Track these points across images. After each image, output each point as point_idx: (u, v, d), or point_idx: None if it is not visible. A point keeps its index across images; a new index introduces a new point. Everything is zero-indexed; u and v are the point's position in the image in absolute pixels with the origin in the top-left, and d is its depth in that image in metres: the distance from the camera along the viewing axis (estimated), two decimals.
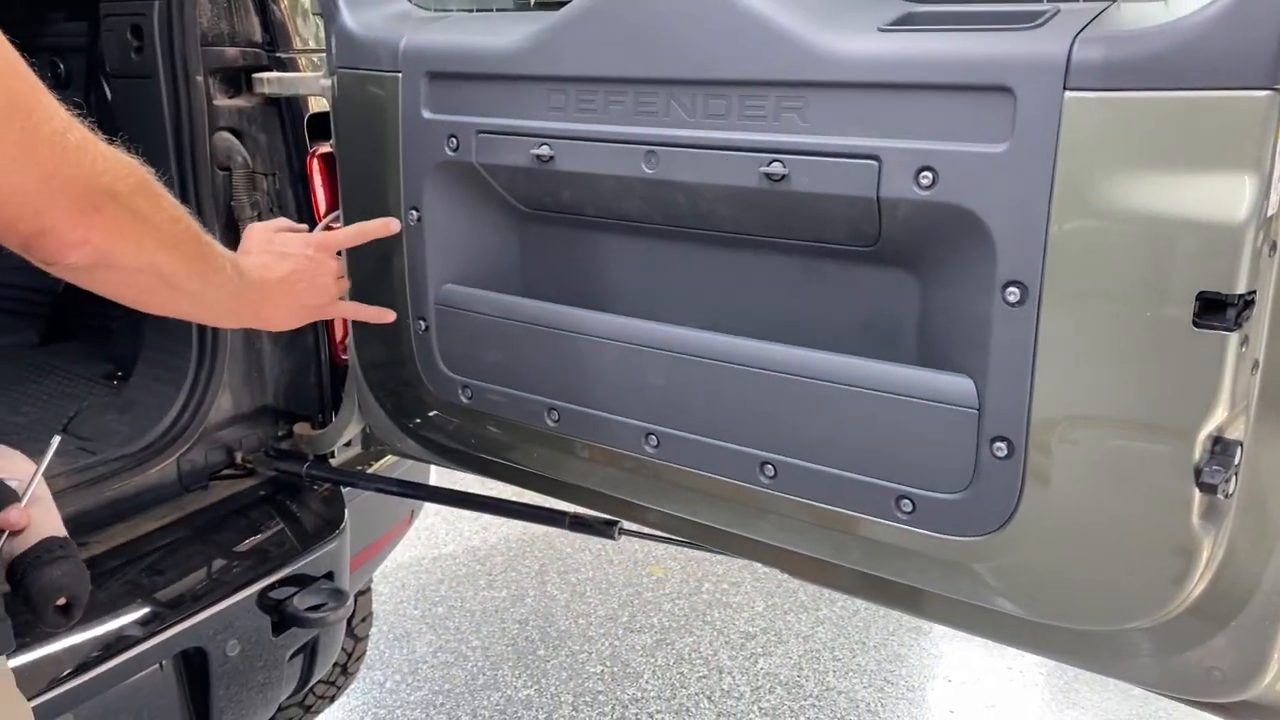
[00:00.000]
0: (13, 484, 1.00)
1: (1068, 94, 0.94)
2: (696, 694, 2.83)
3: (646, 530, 1.43)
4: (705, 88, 1.16)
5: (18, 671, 1.00)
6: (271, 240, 1.29)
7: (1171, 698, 1.10)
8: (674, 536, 1.39)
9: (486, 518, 3.71)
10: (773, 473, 1.20)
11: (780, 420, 1.19)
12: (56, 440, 1.05)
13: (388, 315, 1.44)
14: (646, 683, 2.88)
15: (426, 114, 1.40)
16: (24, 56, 0.82)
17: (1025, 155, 0.97)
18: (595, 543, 3.62)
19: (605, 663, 2.98)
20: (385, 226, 1.39)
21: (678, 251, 1.29)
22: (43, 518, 1.02)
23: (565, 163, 1.28)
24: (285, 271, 1.25)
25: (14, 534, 0.99)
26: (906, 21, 1.08)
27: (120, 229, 0.90)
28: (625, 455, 1.33)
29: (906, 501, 1.12)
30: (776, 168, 1.12)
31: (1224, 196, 0.90)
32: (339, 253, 1.39)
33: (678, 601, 3.31)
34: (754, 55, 1.11)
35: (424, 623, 3.20)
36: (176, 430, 1.62)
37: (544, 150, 1.29)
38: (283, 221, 1.39)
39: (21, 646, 1.24)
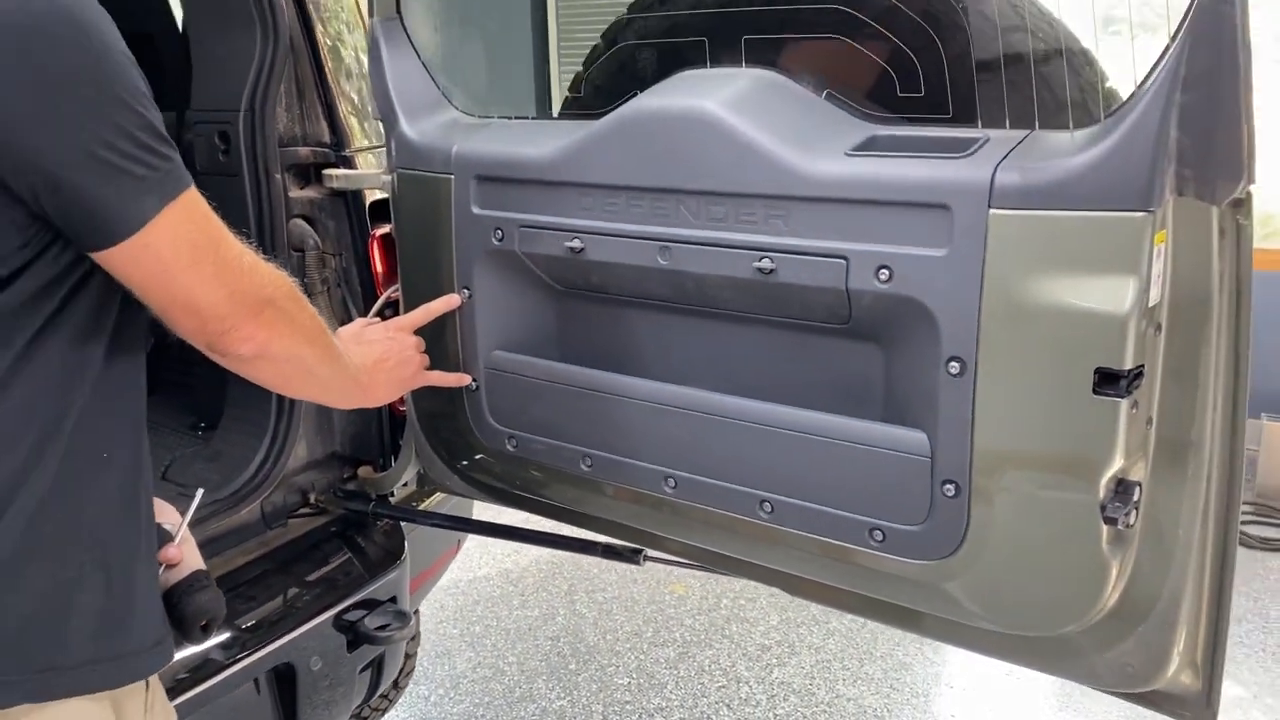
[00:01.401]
0: (166, 527, 1.26)
1: (992, 211, 1.20)
2: (716, 703, 3.07)
3: (667, 557, 1.68)
4: (708, 197, 1.42)
5: None
6: (360, 334, 1.57)
7: (1098, 689, 1.35)
8: (690, 562, 1.65)
9: (517, 543, 3.97)
10: (770, 509, 1.45)
11: (775, 465, 1.44)
12: (200, 494, 1.32)
13: (464, 379, 1.72)
14: (670, 693, 3.12)
15: (475, 210, 1.66)
16: None
17: (961, 258, 1.22)
18: (620, 564, 3.87)
19: (632, 675, 3.22)
20: (448, 303, 1.67)
21: (688, 325, 1.55)
22: (190, 554, 1.29)
23: (594, 253, 1.54)
24: (378, 355, 1.52)
25: (169, 567, 1.26)
26: (868, 146, 1.33)
27: (277, 328, 1.17)
28: (648, 495, 1.59)
29: (878, 532, 1.37)
30: (766, 263, 1.38)
31: (1113, 293, 1.15)
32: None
33: (698, 617, 3.55)
34: (746, 173, 1.37)
35: (463, 640, 3.45)
36: (260, 477, 1.87)
37: (575, 243, 1.55)
38: (362, 320, 1.69)
39: None
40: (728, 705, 3.05)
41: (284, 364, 1.22)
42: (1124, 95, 1.21)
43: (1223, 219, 1.16)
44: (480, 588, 3.81)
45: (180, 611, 1.24)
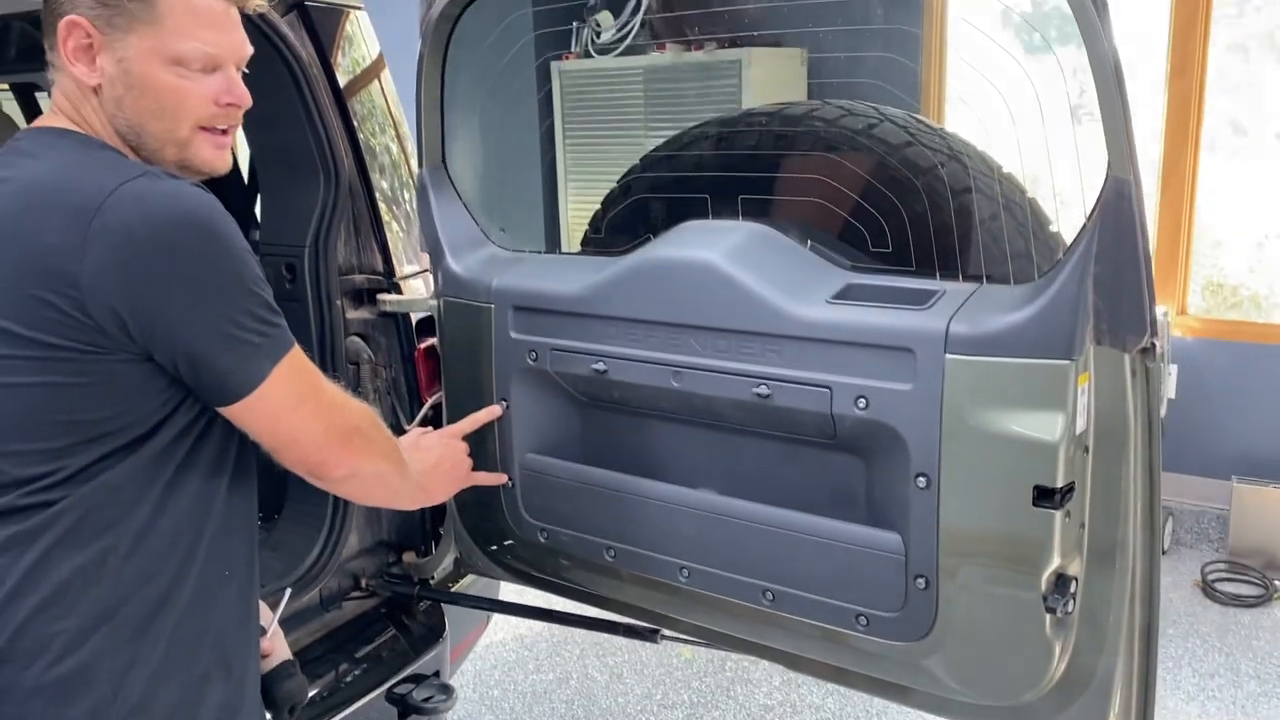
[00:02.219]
0: (261, 623, 1.51)
1: (947, 356, 1.47)
2: None
3: (680, 636, 1.93)
4: (713, 333, 1.69)
5: None
6: (417, 442, 1.76)
7: None
8: (701, 641, 1.90)
9: None
10: (771, 596, 1.71)
11: (774, 559, 1.70)
12: (288, 593, 1.57)
13: (503, 479, 1.96)
14: None
15: (513, 334, 1.93)
16: None
17: (923, 393, 1.49)
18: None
19: None
20: (491, 414, 1.92)
21: (697, 436, 1.82)
22: (279, 646, 1.54)
23: (616, 375, 1.81)
24: (435, 460, 1.72)
25: (263, 656, 1.50)
26: (846, 294, 1.60)
27: (364, 453, 1.42)
28: (664, 582, 1.84)
29: (863, 617, 1.62)
30: (763, 389, 1.64)
31: (1046, 424, 1.42)
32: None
33: (704, 679, 3.76)
34: (745, 315, 1.64)
35: (482, 704, 3.67)
36: (319, 566, 2.12)
37: (600, 365, 1.82)
38: (417, 430, 1.89)
39: None
40: None
41: (369, 480, 1.47)
42: (1058, 232, 1.48)
43: (1134, 362, 1.43)
44: (496, 653, 4.02)
45: (273, 696, 1.49)
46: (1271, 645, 3.74)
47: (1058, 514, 1.42)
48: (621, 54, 4.93)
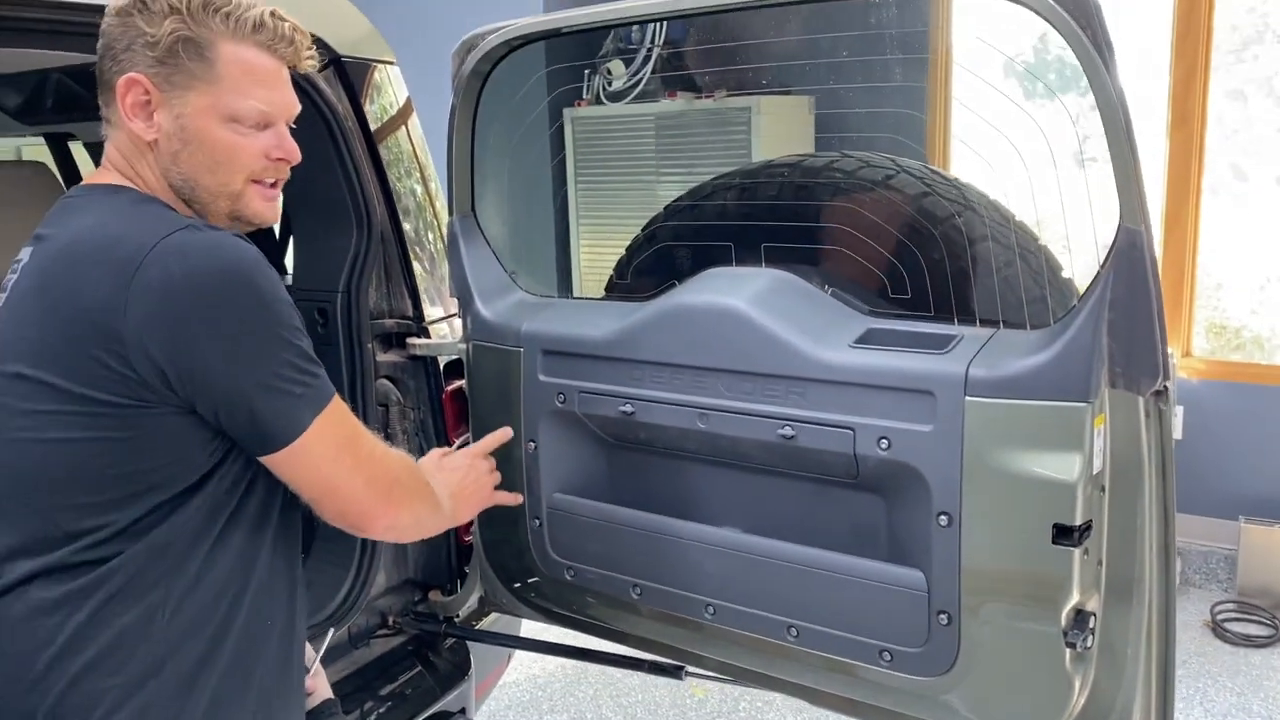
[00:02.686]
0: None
1: (967, 398, 1.52)
2: None
3: (705, 672, 1.97)
4: (739, 375, 1.74)
5: None
6: (441, 463, 1.73)
7: None
8: (725, 678, 1.94)
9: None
10: (795, 633, 1.75)
11: (798, 596, 1.74)
12: (331, 633, 1.62)
13: (518, 499, 1.94)
14: None
15: (541, 377, 1.99)
16: None
17: (944, 434, 1.54)
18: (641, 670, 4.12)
19: None
20: (504, 434, 1.87)
21: (723, 476, 1.87)
22: (321, 685, 1.59)
23: (643, 416, 1.87)
24: (459, 480, 1.70)
25: (306, 695, 1.55)
26: (867, 339, 1.66)
27: (403, 503, 1.46)
28: (689, 619, 1.88)
29: (886, 653, 1.66)
30: (788, 430, 1.70)
31: (1064, 464, 1.47)
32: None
33: (718, 719, 3.78)
34: (770, 359, 1.70)
35: None
36: (348, 604, 2.16)
37: (628, 408, 1.88)
38: (438, 451, 1.82)
39: None
40: None
41: (408, 529, 1.52)
42: (1073, 280, 1.54)
43: (1147, 405, 1.48)
44: (510, 693, 4.04)
45: None
46: None
47: (1076, 551, 1.47)
48: (632, 101, 5.03)
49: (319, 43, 2.05)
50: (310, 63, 1.46)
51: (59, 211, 1.38)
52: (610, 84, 5.14)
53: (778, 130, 4.75)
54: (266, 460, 1.34)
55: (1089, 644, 1.52)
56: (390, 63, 2.26)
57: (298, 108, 1.46)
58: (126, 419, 1.26)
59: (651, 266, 2.06)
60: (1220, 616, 4.17)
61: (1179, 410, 4.16)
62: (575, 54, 5.15)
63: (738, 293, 1.77)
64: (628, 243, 2.16)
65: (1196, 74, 4.30)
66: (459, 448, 2.13)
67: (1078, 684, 1.54)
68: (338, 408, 1.37)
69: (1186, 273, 4.48)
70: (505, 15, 2.01)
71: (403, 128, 2.39)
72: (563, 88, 5.17)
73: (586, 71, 5.15)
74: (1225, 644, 4.06)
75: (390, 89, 2.34)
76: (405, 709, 2.13)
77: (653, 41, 4.93)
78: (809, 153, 2.00)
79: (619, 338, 1.88)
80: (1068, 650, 1.51)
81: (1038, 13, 1.40)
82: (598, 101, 5.18)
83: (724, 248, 1.88)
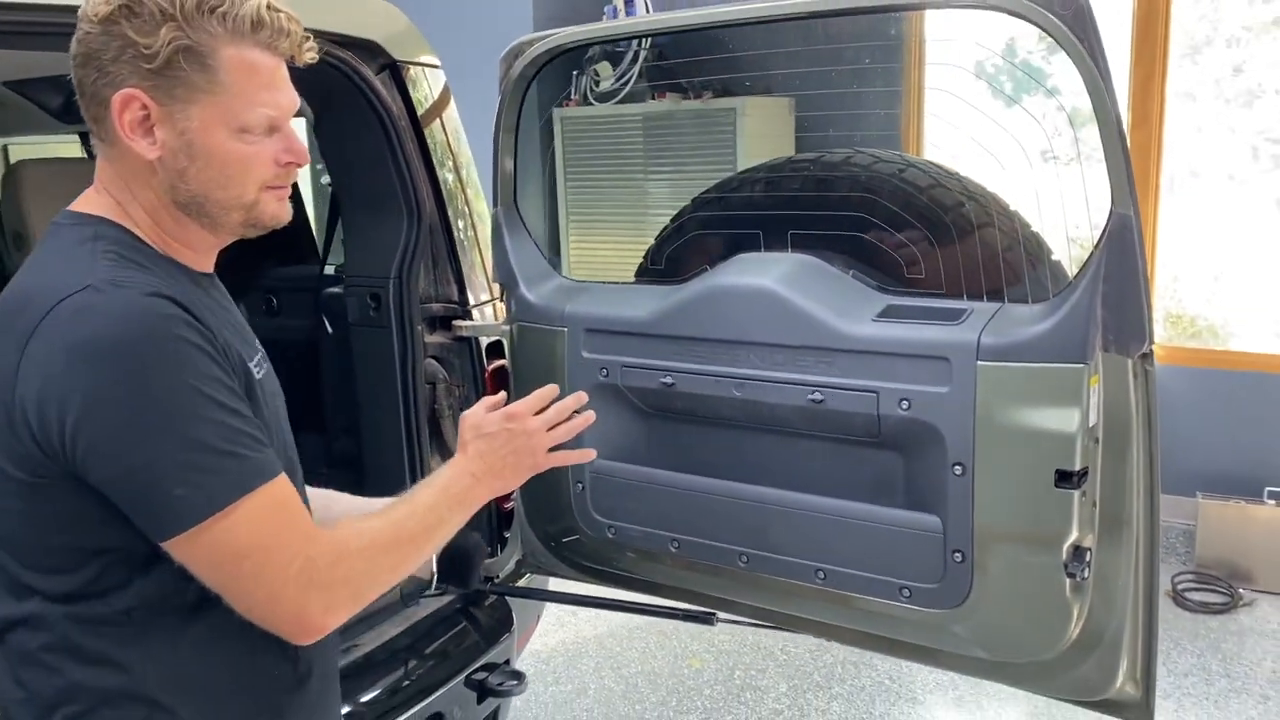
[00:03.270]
0: None
1: (979, 363, 1.75)
2: None
3: (736, 618, 2.18)
4: (772, 348, 1.96)
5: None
6: (480, 424, 1.54)
7: (1066, 700, 1.86)
8: (758, 622, 2.15)
9: (544, 625, 4.40)
10: (823, 575, 1.97)
11: (825, 543, 1.96)
12: None
13: (590, 455, 1.71)
14: None
15: (585, 354, 2.19)
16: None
17: (959, 394, 1.77)
18: (640, 641, 4.32)
19: None
20: (551, 390, 1.63)
21: (756, 438, 2.08)
22: None
23: (682, 387, 2.08)
24: (496, 447, 1.52)
25: None
26: (888, 314, 1.88)
27: (334, 611, 1.29)
28: (725, 568, 2.09)
29: (906, 590, 1.89)
30: (817, 396, 1.91)
31: (1064, 418, 1.70)
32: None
33: (715, 687, 4.00)
34: (801, 333, 1.92)
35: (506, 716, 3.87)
36: None
37: (668, 379, 2.08)
38: (486, 401, 1.62)
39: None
40: None
41: (371, 596, 1.34)
42: (1061, 261, 1.77)
43: (1135, 366, 1.71)
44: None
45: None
46: (1238, 648, 4.05)
47: (1075, 494, 1.70)
48: (620, 101, 5.23)
49: (377, 49, 2.24)
50: (310, 55, 1.35)
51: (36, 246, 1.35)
52: (598, 84, 5.34)
53: (761, 130, 4.97)
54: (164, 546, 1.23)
55: (1086, 575, 1.75)
56: (436, 66, 2.45)
57: (298, 103, 1.37)
58: (48, 494, 1.22)
59: (681, 254, 2.27)
60: (1180, 586, 4.44)
61: None
62: (563, 55, 5.34)
63: (769, 274, 1.98)
64: (618, 239, 2.35)
65: (1154, 77, 4.58)
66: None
67: (1076, 611, 1.77)
68: (253, 504, 1.22)
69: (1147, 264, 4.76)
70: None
71: (437, 119, 2.54)
72: (551, 81, 5.35)
73: (574, 72, 5.34)
74: (1185, 611, 4.34)
75: (425, 82, 2.50)
76: (454, 662, 2.32)
77: (640, 44, 5.13)
78: (826, 150, 2.21)
79: (660, 317, 2.09)
80: (1068, 581, 1.74)
81: (1040, 26, 1.62)
82: (585, 102, 5.37)
83: (753, 235, 2.09)
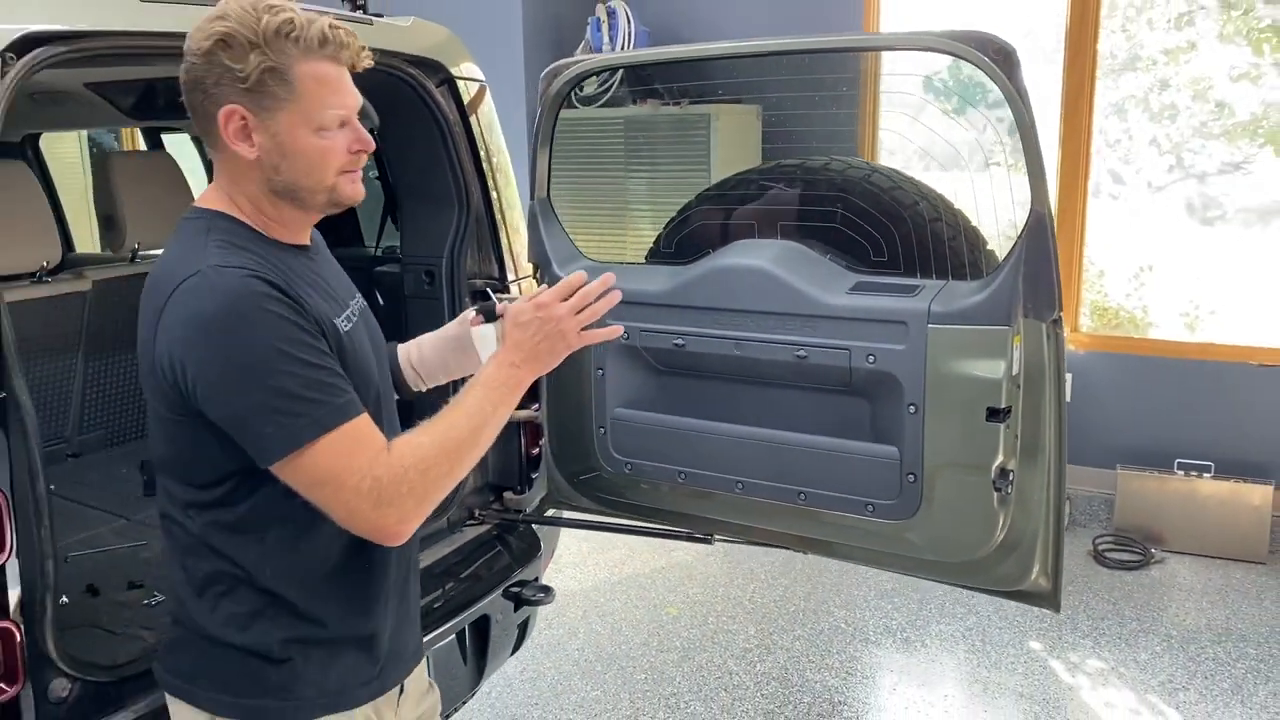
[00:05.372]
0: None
1: (929, 326, 2.25)
2: (715, 689, 4.00)
3: (730, 539, 2.67)
4: (765, 315, 2.45)
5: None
6: (516, 314, 1.72)
7: (991, 592, 2.37)
8: (749, 540, 2.64)
9: None
10: (804, 496, 2.47)
11: (806, 470, 2.46)
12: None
13: (617, 331, 1.88)
14: (678, 683, 4.04)
15: (608, 321, 2.66)
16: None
17: (913, 350, 2.27)
18: (622, 593, 4.80)
19: (646, 672, 4.13)
20: (579, 278, 1.79)
21: (751, 389, 2.57)
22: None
23: (691, 347, 2.56)
24: (531, 334, 1.69)
25: None
26: (859, 289, 2.38)
27: (409, 518, 1.54)
28: (723, 494, 2.58)
29: (870, 505, 2.39)
30: (801, 353, 2.41)
31: (993, 368, 2.21)
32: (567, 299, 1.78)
33: (691, 630, 4.48)
34: (788, 302, 2.41)
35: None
36: (447, 500, 2.80)
37: (679, 341, 2.57)
38: (528, 295, 1.79)
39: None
40: (725, 690, 3.98)
41: (436, 498, 1.57)
42: (996, 253, 2.28)
43: (1048, 329, 2.22)
44: None
45: None
46: (1149, 597, 4.62)
47: (1001, 426, 2.21)
48: (603, 105, 5.69)
49: (439, 66, 2.70)
50: (367, 62, 1.60)
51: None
52: (582, 89, 5.79)
53: (732, 135, 5.45)
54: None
55: (1009, 491, 2.26)
56: (480, 81, 2.90)
57: (360, 100, 1.61)
58: (186, 427, 1.53)
59: (685, 240, 2.75)
60: (1101, 547, 5.00)
61: (1068, 377, 4.96)
62: (550, 60, 5.78)
63: (762, 256, 2.48)
64: (600, 231, 2.79)
65: (1083, 92, 5.13)
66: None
67: (1001, 520, 2.28)
68: (330, 440, 1.46)
69: (1074, 261, 5.29)
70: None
71: (475, 115, 2.92)
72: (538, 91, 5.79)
73: None
74: (1104, 568, 4.90)
75: (470, 89, 2.93)
76: (493, 579, 2.78)
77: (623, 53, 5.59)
78: (807, 157, 2.71)
79: (672, 290, 2.57)
80: (995, 495, 2.25)
81: (974, 64, 2.12)
82: (571, 105, 5.82)
83: (748, 225, 2.59)
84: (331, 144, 1.56)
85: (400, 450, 1.52)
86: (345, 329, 1.63)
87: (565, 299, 1.75)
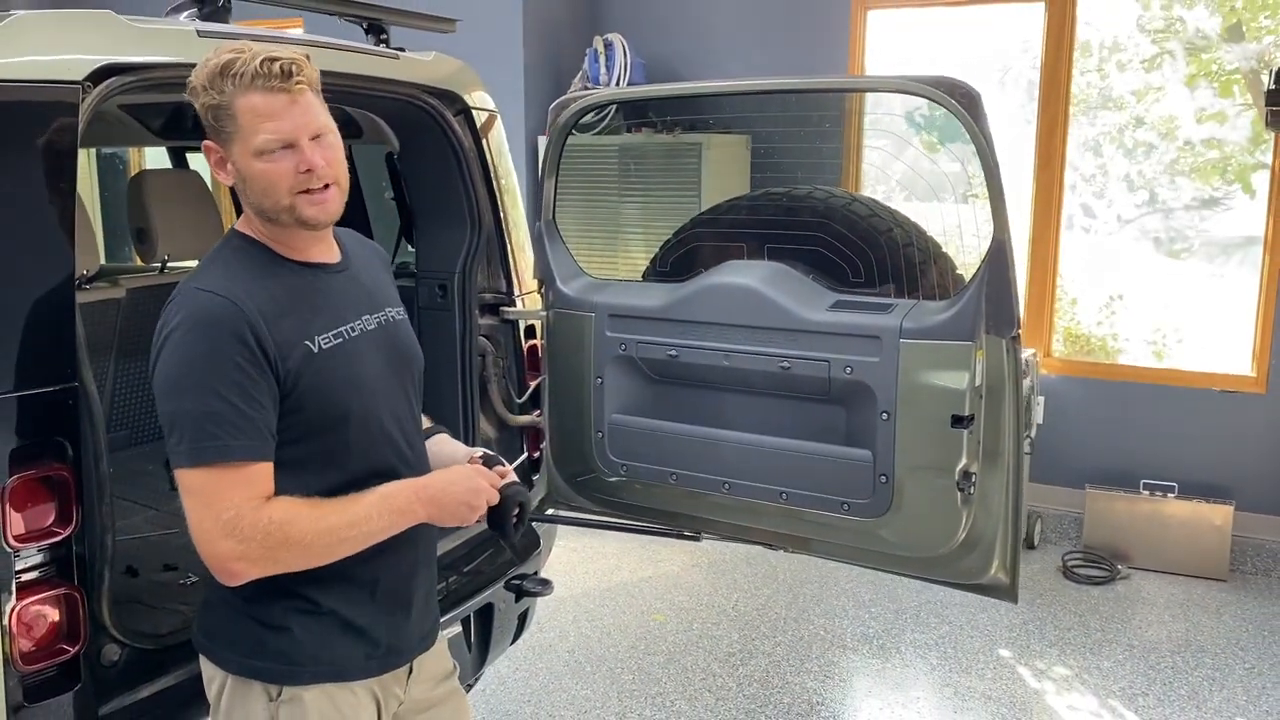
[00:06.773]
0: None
1: (901, 340, 2.48)
2: (700, 690, 4.19)
3: (718, 536, 2.88)
4: (752, 329, 2.68)
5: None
6: (451, 465, 1.93)
7: (955, 586, 2.59)
8: (735, 538, 2.85)
9: None
10: (785, 496, 2.69)
11: (787, 472, 2.68)
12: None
13: (494, 497, 1.89)
14: (665, 684, 4.23)
15: (608, 334, 2.89)
16: None
17: (886, 363, 2.50)
18: (612, 599, 5.00)
19: (634, 673, 4.32)
20: (505, 472, 1.97)
21: (738, 397, 2.79)
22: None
23: (683, 358, 2.79)
24: (452, 479, 1.83)
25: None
26: (837, 306, 2.62)
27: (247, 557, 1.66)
28: (710, 495, 2.80)
29: (845, 504, 2.61)
30: (785, 364, 2.64)
31: (958, 379, 2.43)
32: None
33: (677, 635, 4.68)
34: (773, 317, 2.64)
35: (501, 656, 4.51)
36: None
37: (673, 352, 2.80)
38: (473, 461, 1.98)
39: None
40: (709, 690, 4.17)
41: (286, 561, 1.70)
42: (963, 276, 2.51)
43: (1007, 345, 2.45)
44: None
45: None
46: (1114, 610, 4.84)
47: (965, 432, 2.44)
48: (599, 133, 5.92)
49: (457, 97, 2.93)
50: (300, 85, 1.69)
51: None
52: (580, 118, 6.03)
53: (722, 163, 5.68)
54: None
55: (972, 492, 2.49)
56: (491, 110, 3.14)
57: (316, 122, 1.71)
58: None
59: (681, 260, 2.98)
60: (1070, 563, 5.22)
61: (1041, 400, 5.17)
62: (549, 89, 6.02)
63: (750, 276, 2.71)
64: (594, 253, 3.02)
65: (1056, 128, 5.38)
66: (534, 388, 3.01)
67: (964, 518, 2.50)
68: (217, 474, 1.63)
69: (1048, 290, 5.52)
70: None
71: (486, 139, 3.13)
72: (535, 112, 6.03)
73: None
74: (1072, 583, 5.12)
75: (479, 116, 3.14)
76: (498, 569, 2.99)
77: (618, 85, 5.83)
78: (792, 187, 2.95)
79: (667, 305, 2.80)
80: (959, 495, 2.48)
81: (942, 105, 2.36)
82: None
83: (738, 246, 2.82)
84: (275, 167, 1.68)
85: (279, 505, 1.66)
86: (325, 346, 1.75)
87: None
